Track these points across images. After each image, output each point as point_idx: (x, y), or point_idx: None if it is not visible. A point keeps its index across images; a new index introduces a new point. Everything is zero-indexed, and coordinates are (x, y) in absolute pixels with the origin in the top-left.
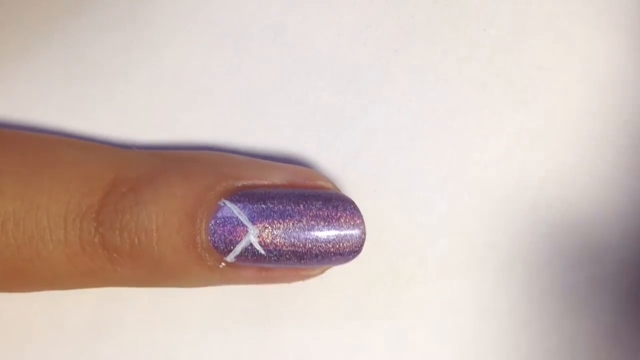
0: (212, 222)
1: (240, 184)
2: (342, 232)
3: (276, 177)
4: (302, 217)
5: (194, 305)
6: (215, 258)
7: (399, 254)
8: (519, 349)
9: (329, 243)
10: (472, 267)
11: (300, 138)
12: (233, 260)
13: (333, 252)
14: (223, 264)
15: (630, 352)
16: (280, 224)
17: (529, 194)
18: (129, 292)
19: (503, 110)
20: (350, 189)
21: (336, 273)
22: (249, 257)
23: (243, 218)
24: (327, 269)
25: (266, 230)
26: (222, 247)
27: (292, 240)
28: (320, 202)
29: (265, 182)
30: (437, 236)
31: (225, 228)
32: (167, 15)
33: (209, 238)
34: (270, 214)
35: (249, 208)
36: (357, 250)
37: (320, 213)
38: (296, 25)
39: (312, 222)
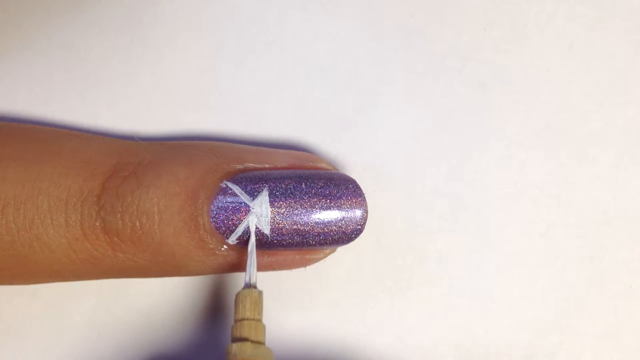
0: (214, 204)
1: (242, 166)
2: (344, 212)
3: (278, 161)
4: (304, 196)
5: (194, 304)
6: (217, 240)
7: (399, 254)
8: (519, 349)
9: (332, 223)
10: (472, 267)
11: (300, 138)
12: (235, 242)
13: (335, 232)
14: (225, 246)
15: (630, 352)
16: (283, 203)
17: (529, 194)
18: (129, 291)
19: (503, 110)
20: None
21: (336, 272)
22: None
23: (245, 198)
24: (329, 252)
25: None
26: (223, 229)
27: (295, 219)
28: (322, 181)
29: (267, 165)
30: (437, 236)
31: (228, 209)
32: (167, 15)
33: (211, 219)
34: (273, 194)
35: (251, 188)
36: (359, 230)
37: (322, 192)
38: (296, 25)
39: (315, 201)
